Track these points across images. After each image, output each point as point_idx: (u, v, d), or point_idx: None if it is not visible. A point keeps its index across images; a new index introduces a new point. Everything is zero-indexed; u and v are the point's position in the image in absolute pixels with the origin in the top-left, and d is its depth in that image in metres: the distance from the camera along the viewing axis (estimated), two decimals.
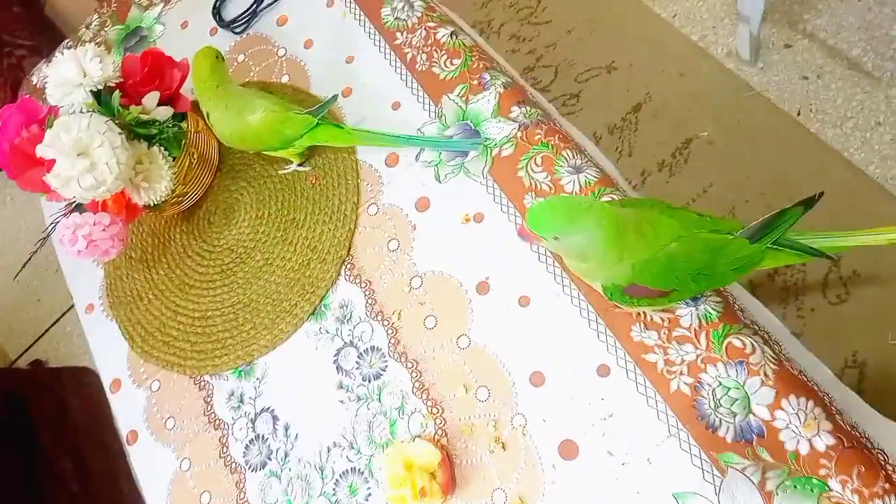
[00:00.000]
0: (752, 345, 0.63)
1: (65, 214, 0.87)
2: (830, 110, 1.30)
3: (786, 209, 0.59)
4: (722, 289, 0.68)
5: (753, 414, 0.61)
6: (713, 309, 0.65)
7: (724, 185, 1.32)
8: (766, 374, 0.62)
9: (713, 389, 0.63)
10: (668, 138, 1.40)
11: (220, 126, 0.87)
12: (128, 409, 0.93)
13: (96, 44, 1.24)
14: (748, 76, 1.39)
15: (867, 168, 1.23)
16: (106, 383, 0.96)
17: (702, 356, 0.64)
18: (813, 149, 1.28)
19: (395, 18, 0.95)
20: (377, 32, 0.96)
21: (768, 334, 0.68)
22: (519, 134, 0.81)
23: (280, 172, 0.94)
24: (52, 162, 0.79)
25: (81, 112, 0.83)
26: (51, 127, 0.82)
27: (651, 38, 1.53)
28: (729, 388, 0.62)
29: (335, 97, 0.88)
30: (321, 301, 0.85)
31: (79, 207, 0.87)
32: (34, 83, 1.30)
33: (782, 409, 0.60)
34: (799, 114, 1.32)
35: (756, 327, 0.66)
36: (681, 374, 0.64)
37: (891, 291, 1.16)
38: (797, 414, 0.60)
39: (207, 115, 0.88)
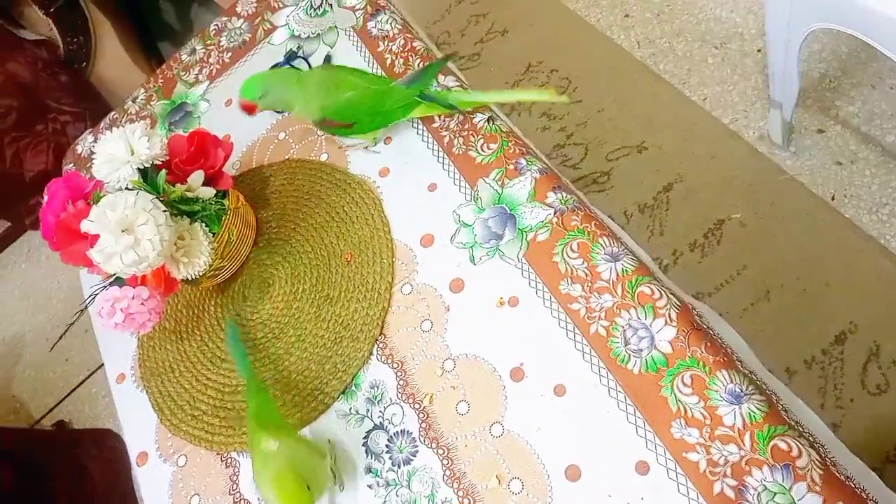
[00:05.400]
0: (799, 448, 0.61)
1: (104, 286, 0.89)
2: (865, 196, 1.29)
3: (430, 64, 0.91)
4: (765, 388, 0.67)
5: None
6: (757, 408, 0.63)
7: (758, 269, 1.30)
8: (813, 480, 0.60)
9: (758, 494, 0.60)
10: (699, 219, 1.40)
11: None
12: (153, 483, 0.92)
13: (141, 118, 1.29)
14: (780, 160, 1.40)
15: None
16: (133, 456, 0.95)
17: (746, 457, 0.62)
18: (848, 234, 1.27)
19: None
20: None
21: (813, 436, 0.65)
22: (554, 220, 0.81)
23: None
24: (96, 237, 0.81)
25: (127, 188, 0.85)
26: (97, 203, 0.84)
27: (681, 119, 1.55)
28: (774, 493, 0.60)
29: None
30: (352, 380, 0.85)
31: (118, 280, 0.88)
32: (78, 152, 1.35)
33: None
34: (833, 199, 1.32)
35: (801, 429, 0.64)
36: (724, 475, 0.62)
37: None
38: None
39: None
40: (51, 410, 2.04)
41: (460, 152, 0.91)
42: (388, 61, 1.05)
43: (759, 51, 1.55)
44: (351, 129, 0.91)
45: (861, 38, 0.97)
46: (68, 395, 2.03)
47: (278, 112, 1.09)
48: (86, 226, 0.82)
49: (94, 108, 2.25)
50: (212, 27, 1.30)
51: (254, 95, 0.89)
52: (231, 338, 0.91)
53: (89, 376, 2.01)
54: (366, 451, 0.80)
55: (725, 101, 1.52)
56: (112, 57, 2.22)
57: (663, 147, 1.53)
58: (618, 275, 0.75)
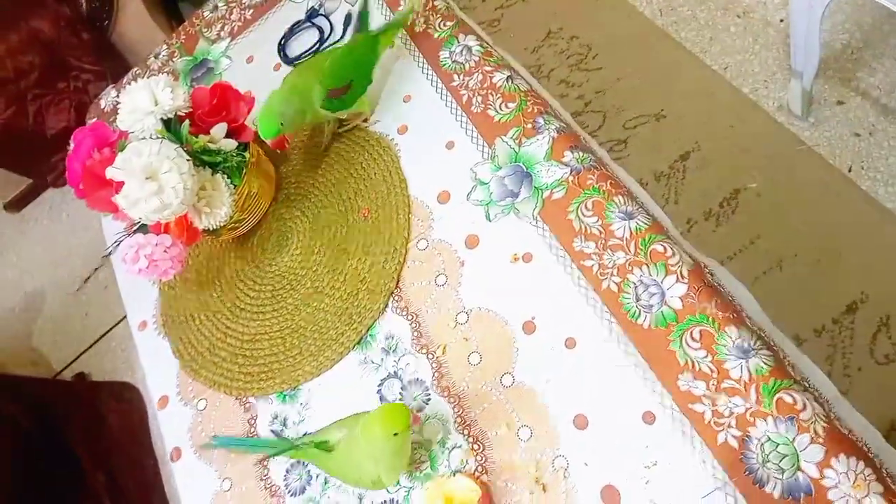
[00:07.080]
0: (803, 401, 0.62)
1: (128, 234, 0.91)
2: (882, 168, 1.29)
3: (361, 11, 1.02)
4: (773, 344, 0.68)
5: (802, 471, 0.60)
6: (764, 363, 0.65)
7: (772, 238, 1.31)
8: (815, 432, 0.61)
9: (762, 444, 0.62)
10: (715, 188, 1.40)
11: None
12: (173, 425, 0.95)
13: (163, 73, 1.30)
14: (799, 130, 1.39)
15: None
16: (154, 399, 0.98)
17: (751, 410, 0.63)
18: (863, 206, 1.27)
19: (453, 61, 0.98)
20: (434, 74, 0.99)
21: (818, 392, 0.67)
22: (570, 178, 0.82)
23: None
24: (122, 184, 0.83)
25: (151, 138, 0.87)
26: (122, 150, 0.86)
27: (701, 88, 1.54)
28: (778, 444, 0.61)
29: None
30: (368, 331, 0.87)
31: (142, 228, 0.90)
32: (102, 107, 1.37)
33: (832, 468, 0.59)
34: (850, 170, 1.31)
35: (806, 384, 0.65)
36: (729, 426, 0.64)
37: None
38: (847, 473, 0.59)
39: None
40: (71, 363, 2.09)
41: (479, 111, 0.92)
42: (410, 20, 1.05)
43: (781, 21, 1.54)
44: (351, 89, 0.94)
45: (886, 4, 0.96)
46: (88, 348, 2.07)
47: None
48: (111, 172, 0.83)
49: (116, 66, 2.27)
50: None
51: (275, 131, 0.88)
52: (232, 443, 0.88)
53: (109, 330, 2.05)
54: (380, 398, 0.82)
55: (746, 70, 1.51)
56: (133, 16, 2.23)
57: (682, 116, 1.53)
58: (631, 233, 0.76)
